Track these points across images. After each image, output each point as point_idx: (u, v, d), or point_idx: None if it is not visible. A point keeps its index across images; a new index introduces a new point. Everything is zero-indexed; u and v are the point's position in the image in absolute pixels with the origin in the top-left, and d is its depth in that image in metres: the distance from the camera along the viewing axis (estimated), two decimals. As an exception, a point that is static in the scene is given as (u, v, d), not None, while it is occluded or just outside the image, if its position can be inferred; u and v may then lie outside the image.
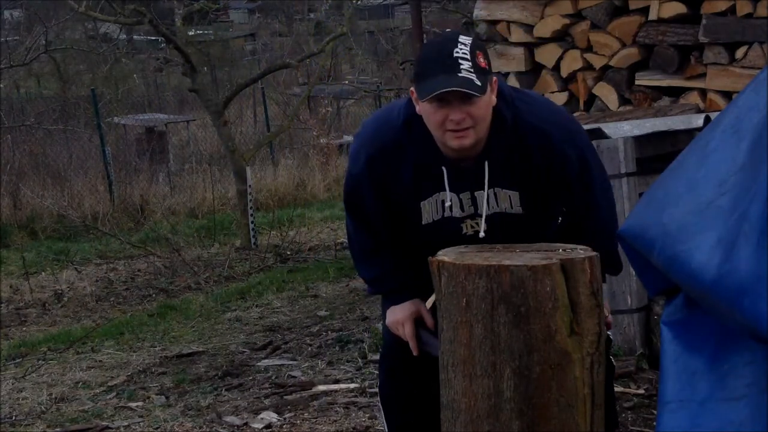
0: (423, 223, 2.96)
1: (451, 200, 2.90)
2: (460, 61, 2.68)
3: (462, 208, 2.91)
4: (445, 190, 2.89)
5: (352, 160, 3.05)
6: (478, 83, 2.67)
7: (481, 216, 2.91)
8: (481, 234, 2.90)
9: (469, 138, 2.75)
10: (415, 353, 2.99)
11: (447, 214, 2.93)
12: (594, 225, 2.99)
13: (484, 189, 2.88)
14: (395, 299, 3.06)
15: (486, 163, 2.85)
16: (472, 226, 2.93)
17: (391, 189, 2.95)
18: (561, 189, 2.93)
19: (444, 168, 2.86)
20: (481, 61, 2.72)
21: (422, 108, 2.76)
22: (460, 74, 2.67)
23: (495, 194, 2.91)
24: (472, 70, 2.68)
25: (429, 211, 2.94)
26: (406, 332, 3.00)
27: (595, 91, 5.99)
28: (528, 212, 2.93)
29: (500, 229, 2.92)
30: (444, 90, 2.67)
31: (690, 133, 4.56)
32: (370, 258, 3.10)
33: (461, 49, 2.71)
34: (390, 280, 3.07)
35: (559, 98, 6.11)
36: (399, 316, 3.03)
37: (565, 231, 3.01)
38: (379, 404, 3.30)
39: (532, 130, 2.85)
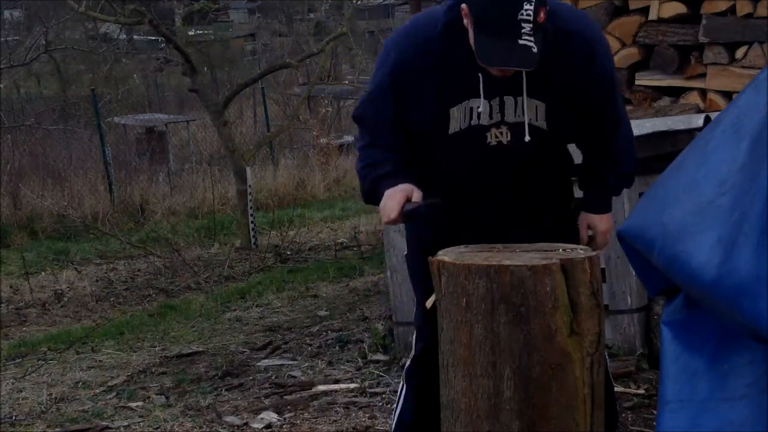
0: (450, 132, 2.94)
1: (481, 107, 2.89)
2: (523, 24, 2.66)
3: (490, 115, 2.91)
4: (477, 96, 2.88)
5: (380, 60, 3.01)
6: (535, 51, 2.66)
7: (506, 124, 2.91)
8: (504, 141, 2.91)
9: (512, 72, 2.80)
10: (396, 218, 2.88)
11: (474, 122, 2.92)
12: (621, 142, 3.09)
13: (513, 95, 2.89)
14: (390, 183, 2.93)
15: (524, 72, 2.84)
16: (496, 136, 2.93)
17: (416, 95, 2.93)
18: (588, 104, 2.97)
19: (480, 74, 2.85)
20: (541, 16, 2.70)
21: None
22: (520, 40, 2.66)
23: (522, 102, 2.91)
24: (531, 33, 2.66)
25: (457, 118, 2.93)
26: (396, 201, 2.86)
27: (595, 91, 5.99)
28: (551, 129, 2.95)
29: (524, 143, 2.92)
30: (500, 67, 2.73)
31: (690, 133, 4.55)
32: (372, 149, 3.02)
33: (526, 10, 2.68)
34: (388, 164, 2.97)
35: (559, 98, 6.12)
36: (391, 192, 2.89)
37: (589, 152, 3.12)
38: (403, 381, 3.27)
39: (573, 37, 2.89)
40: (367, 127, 3.07)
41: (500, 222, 3.05)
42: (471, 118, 2.92)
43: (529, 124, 2.92)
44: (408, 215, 2.87)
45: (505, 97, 2.90)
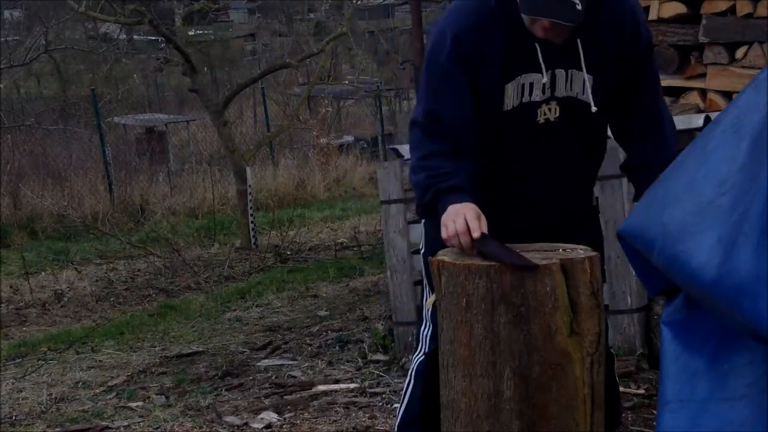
0: (504, 109, 2.86)
1: (545, 77, 2.83)
2: None
3: (543, 90, 2.86)
4: (530, 71, 2.83)
5: (435, 46, 2.87)
6: (579, 7, 2.65)
7: (555, 99, 2.87)
8: (552, 118, 2.86)
9: (561, 38, 2.77)
10: (468, 247, 2.66)
11: (526, 99, 2.85)
12: (666, 126, 2.99)
13: (564, 67, 2.84)
14: (457, 198, 2.76)
15: (579, 40, 2.81)
16: (545, 113, 2.88)
17: (479, 70, 2.83)
18: (634, 78, 2.92)
19: (537, 45, 2.79)
20: None
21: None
22: None
23: (571, 76, 2.86)
24: None
25: (510, 96, 2.86)
26: (468, 219, 2.67)
27: (595, 91, 5.99)
28: (597, 105, 2.88)
29: (572, 120, 2.88)
30: (547, 19, 2.69)
31: (690, 133, 4.55)
32: (442, 158, 2.84)
33: None
34: (457, 176, 2.79)
35: (559, 98, 6.12)
36: (459, 208, 2.72)
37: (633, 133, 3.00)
38: (412, 378, 3.17)
39: (616, 3, 2.86)
40: (443, 129, 2.85)
41: (539, 217, 2.97)
42: (523, 94, 2.86)
43: (577, 99, 2.87)
44: (483, 253, 2.65)
45: (557, 71, 2.85)
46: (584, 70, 2.85)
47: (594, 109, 2.86)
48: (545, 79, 2.83)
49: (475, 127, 2.86)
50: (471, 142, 2.87)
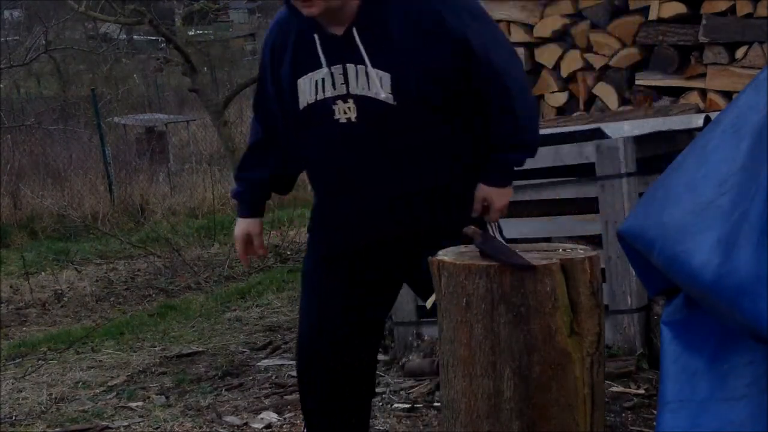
0: (300, 107, 2.78)
1: (323, 71, 2.69)
2: None
3: (333, 85, 2.71)
4: (319, 66, 2.70)
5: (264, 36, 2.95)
6: None
7: (352, 97, 2.69)
8: (352, 118, 2.69)
9: (316, 6, 2.61)
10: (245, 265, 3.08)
11: (320, 95, 2.73)
12: (516, 107, 2.76)
13: (354, 62, 2.66)
14: (243, 210, 3.10)
15: (354, 30, 2.66)
16: (344, 111, 2.72)
17: (281, 69, 2.81)
18: (454, 71, 2.69)
19: (316, 35, 2.69)
20: None
21: None
22: None
23: (366, 73, 2.68)
24: None
25: (305, 92, 2.76)
26: (237, 246, 3.08)
27: (595, 91, 5.99)
28: (400, 103, 2.67)
29: (374, 121, 2.69)
30: None
31: (690, 133, 4.55)
32: (253, 153, 3.08)
33: None
34: (245, 182, 3.07)
35: (559, 98, 6.12)
36: (236, 232, 3.08)
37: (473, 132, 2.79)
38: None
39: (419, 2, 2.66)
40: (258, 119, 3.02)
41: (389, 219, 2.84)
42: (317, 91, 2.74)
43: (376, 99, 2.68)
44: (482, 252, 2.67)
45: (347, 66, 2.69)
46: (368, 64, 2.67)
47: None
48: (324, 72, 2.71)
49: (280, 120, 2.90)
50: (279, 135, 2.93)
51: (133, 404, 4.96)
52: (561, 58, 6.08)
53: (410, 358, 4.91)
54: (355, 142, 2.74)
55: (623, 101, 5.90)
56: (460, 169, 2.86)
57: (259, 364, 5.50)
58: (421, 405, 4.40)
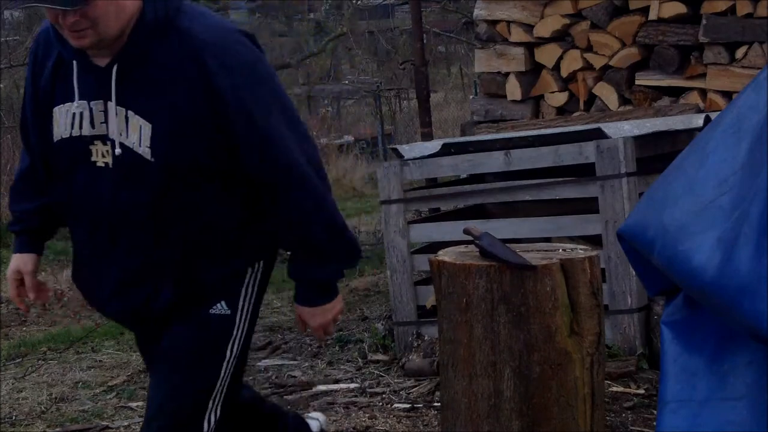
0: (54, 140, 2.39)
1: (78, 106, 2.33)
2: None
3: (92, 123, 2.33)
4: (72, 99, 2.33)
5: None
6: None
7: (113, 141, 2.31)
8: (110, 164, 2.31)
9: (89, 38, 2.23)
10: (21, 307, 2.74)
11: (76, 132, 2.35)
12: (305, 213, 2.42)
13: (116, 102, 2.28)
14: (16, 245, 2.71)
15: (116, 67, 2.28)
16: (103, 155, 2.34)
17: (39, 91, 2.44)
18: (211, 133, 2.28)
19: (75, 62, 2.32)
20: None
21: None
22: None
23: (126, 118, 2.30)
24: None
25: (59, 122, 2.38)
26: (9, 284, 2.70)
27: (595, 91, 5.99)
28: (159, 160, 2.28)
29: (130, 174, 2.31)
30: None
31: (690, 133, 4.55)
32: (23, 182, 2.68)
33: None
34: (23, 221, 2.67)
35: (559, 98, 6.12)
36: (11, 264, 2.70)
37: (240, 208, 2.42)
38: None
39: (186, 37, 2.28)
40: (23, 139, 2.60)
41: (120, 286, 2.46)
42: (73, 125, 2.36)
43: (134, 152, 2.30)
44: (483, 253, 2.62)
45: (109, 104, 2.31)
46: (130, 108, 2.28)
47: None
48: (82, 106, 2.33)
49: (35, 146, 2.49)
50: (39, 164, 2.52)
51: (133, 404, 4.95)
52: (561, 58, 6.08)
53: (410, 358, 4.91)
54: (110, 190, 2.36)
55: (623, 101, 5.90)
56: (218, 248, 2.46)
57: (259, 364, 5.50)
58: (421, 405, 4.40)
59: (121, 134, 2.30)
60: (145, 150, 2.28)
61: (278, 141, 2.32)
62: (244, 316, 2.54)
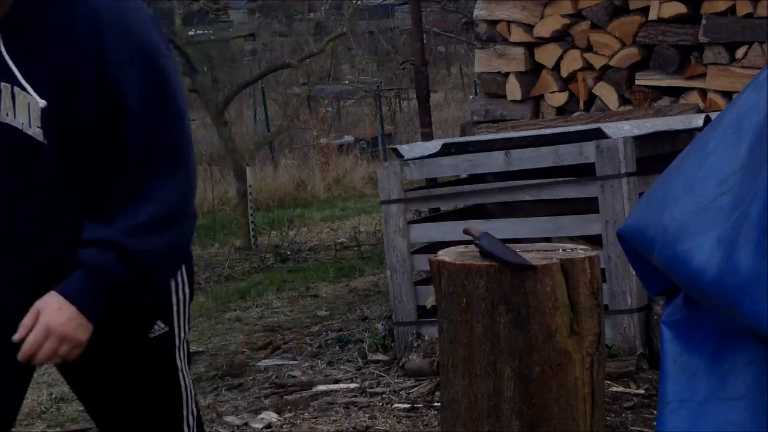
0: None
1: None
2: None
3: None
4: None
5: None
6: None
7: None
8: None
9: None
10: None
11: None
12: (143, 204, 2.01)
13: (9, 81, 2.00)
14: None
15: (2, 44, 2.00)
16: None
17: None
18: (100, 112, 2.01)
19: None
20: None
21: None
22: None
23: (12, 95, 2.01)
24: None
25: None
26: None
27: (595, 91, 5.99)
28: (52, 145, 2.01)
29: (13, 155, 2.02)
30: None
31: (690, 133, 4.55)
32: None
33: None
34: None
35: (559, 98, 6.12)
36: None
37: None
38: None
39: (86, 8, 2.00)
40: None
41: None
42: None
43: (22, 132, 2.01)
44: (483, 252, 2.58)
45: (1, 84, 2.01)
46: (18, 84, 2.00)
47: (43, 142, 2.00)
48: None
49: None
50: None
51: (133, 404, 4.95)
52: (561, 58, 6.08)
53: (410, 358, 4.91)
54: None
55: (623, 101, 5.90)
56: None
57: (259, 364, 5.50)
58: (421, 405, 4.40)
59: (7, 114, 2.01)
60: (35, 131, 2.01)
61: (149, 134, 2.04)
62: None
